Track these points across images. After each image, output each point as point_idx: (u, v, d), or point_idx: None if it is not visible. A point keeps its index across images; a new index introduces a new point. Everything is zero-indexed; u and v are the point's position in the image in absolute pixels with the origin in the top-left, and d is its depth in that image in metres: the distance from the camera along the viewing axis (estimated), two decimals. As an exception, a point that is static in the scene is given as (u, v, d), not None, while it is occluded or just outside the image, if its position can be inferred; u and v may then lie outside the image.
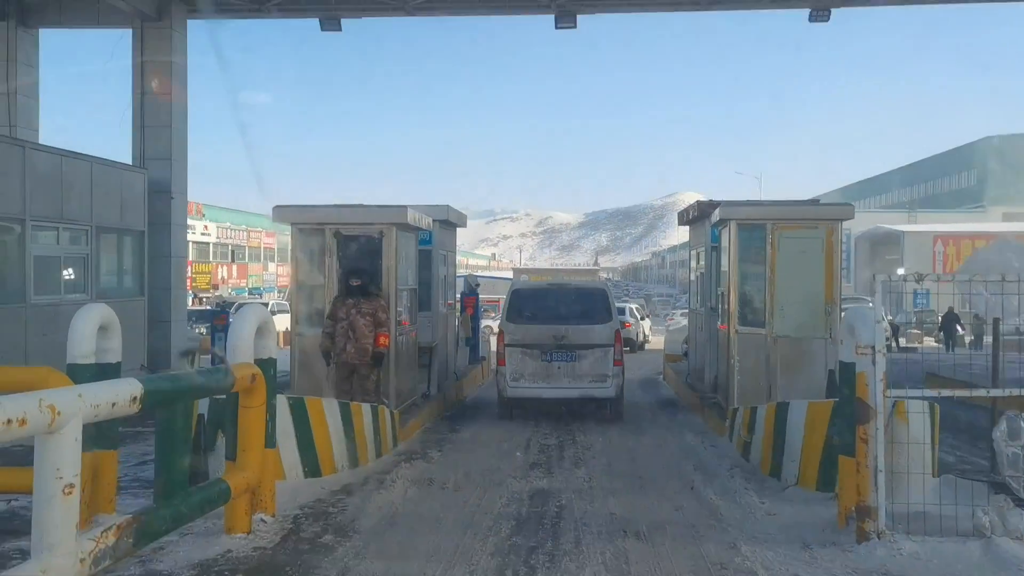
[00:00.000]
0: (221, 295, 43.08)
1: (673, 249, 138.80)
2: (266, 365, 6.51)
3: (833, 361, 10.80)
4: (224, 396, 6.22)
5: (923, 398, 6.50)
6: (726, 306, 11.27)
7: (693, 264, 15.42)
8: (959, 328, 31.05)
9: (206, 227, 63.09)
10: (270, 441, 6.47)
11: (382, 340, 10.34)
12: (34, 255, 13.87)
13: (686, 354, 18.65)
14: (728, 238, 11.17)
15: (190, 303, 39.83)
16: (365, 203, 11.78)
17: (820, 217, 11.04)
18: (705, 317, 13.96)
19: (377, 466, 8.95)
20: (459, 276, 24.65)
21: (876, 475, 5.80)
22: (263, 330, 6.56)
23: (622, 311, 28.46)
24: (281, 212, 11.09)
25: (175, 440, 6.20)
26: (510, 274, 76.62)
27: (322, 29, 19.73)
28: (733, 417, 10.14)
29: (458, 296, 18.29)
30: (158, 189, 17.61)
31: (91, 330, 6.06)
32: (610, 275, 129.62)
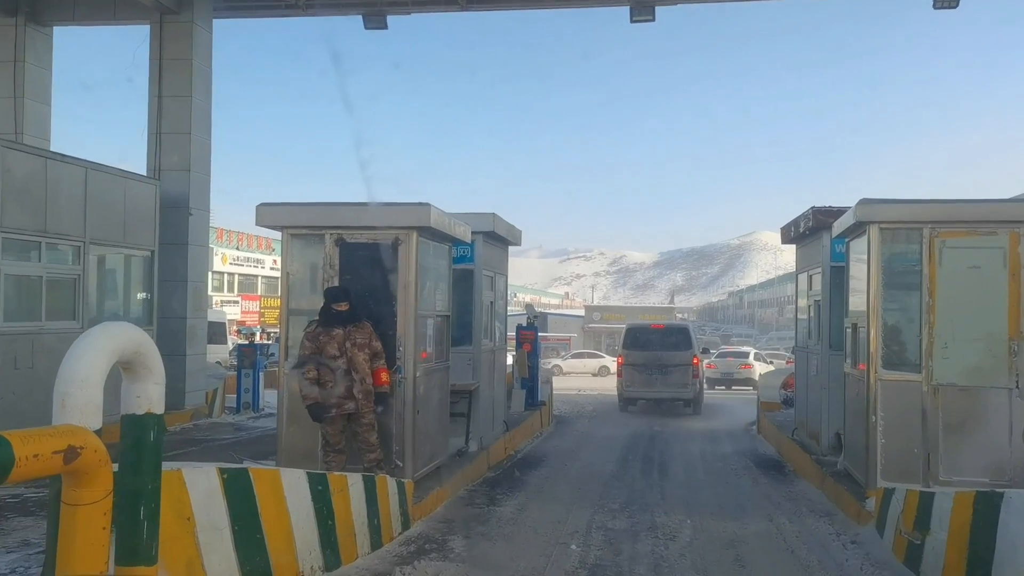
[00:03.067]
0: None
1: (751, 288, 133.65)
2: (138, 425, 3.77)
3: (1022, 420, 7.74)
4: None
5: None
6: (866, 344, 8.22)
7: (803, 290, 12.37)
8: None
9: (275, 261, 61.96)
10: (130, 555, 3.73)
11: (384, 376, 7.80)
12: (4, 273, 11.58)
13: (785, 401, 15.71)
14: (867, 249, 8.15)
15: (258, 338, 37.74)
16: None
17: (1000, 218, 7.89)
18: (822, 357, 10.90)
19: (367, 567, 6.20)
20: (516, 313, 22.16)
21: None
22: (133, 366, 3.79)
23: (745, 355, 35.10)
24: (268, 212, 8.51)
25: None
26: (582, 311, 73.80)
27: (366, 27, 17.72)
28: (884, 501, 7.08)
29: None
30: (174, 204, 15.38)
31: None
32: (685, 315, 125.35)
